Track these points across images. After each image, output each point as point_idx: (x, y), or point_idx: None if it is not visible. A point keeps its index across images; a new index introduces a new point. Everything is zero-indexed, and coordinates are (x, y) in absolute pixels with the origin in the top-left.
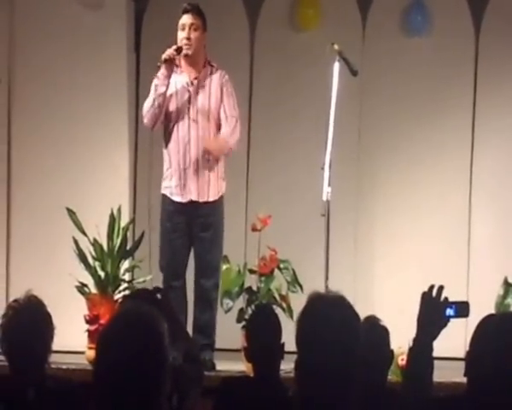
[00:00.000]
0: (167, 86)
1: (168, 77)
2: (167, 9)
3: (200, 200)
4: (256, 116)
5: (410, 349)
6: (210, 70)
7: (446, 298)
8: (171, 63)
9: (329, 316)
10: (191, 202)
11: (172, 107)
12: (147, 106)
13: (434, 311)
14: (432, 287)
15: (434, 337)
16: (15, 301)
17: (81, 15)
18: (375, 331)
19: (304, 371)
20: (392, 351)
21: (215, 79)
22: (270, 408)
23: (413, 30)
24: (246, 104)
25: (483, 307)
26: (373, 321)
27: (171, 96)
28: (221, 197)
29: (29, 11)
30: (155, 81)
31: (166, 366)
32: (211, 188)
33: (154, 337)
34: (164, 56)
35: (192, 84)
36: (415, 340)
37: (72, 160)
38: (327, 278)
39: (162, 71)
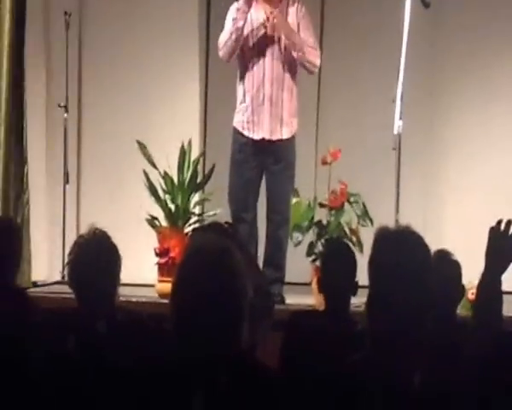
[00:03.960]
0: (245, 21)
1: (247, 12)
2: None
3: (273, 138)
4: (327, 49)
5: (479, 284)
6: (286, 4)
7: None
8: None
9: (399, 250)
10: (264, 140)
11: (249, 41)
12: (223, 39)
13: (502, 245)
14: (500, 222)
15: (502, 272)
16: (81, 236)
17: None
18: (447, 265)
19: (376, 305)
20: (463, 285)
21: (291, 14)
22: (340, 342)
23: None
24: (317, 38)
25: None
26: (445, 255)
27: (247, 30)
28: (293, 136)
29: None
30: (233, 14)
31: (245, 299)
32: (284, 126)
33: (232, 271)
34: None
35: (268, 20)
36: (483, 274)
37: (142, 93)
38: (397, 212)
39: (241, 5)
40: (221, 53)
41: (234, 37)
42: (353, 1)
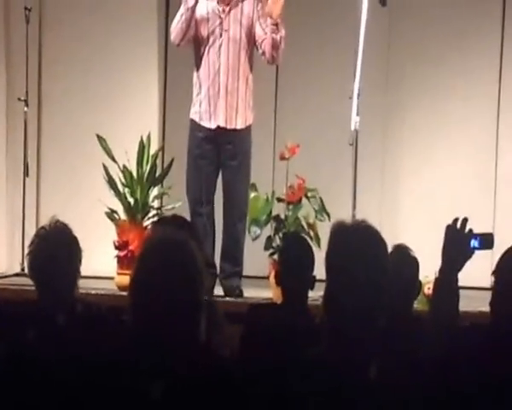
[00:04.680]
0: (196, 2)
1: None
2: None
3: (228, 126)
4: (285, 46)
5: (436, 280)
6: None
7: (471, 230)
8: None
9: (355, 244)
10: (219, 128)
11: (203, 31)
12: (175, 21)
13: (459, 243)
14: (456, 219)
15: (459, 269)
16: (42, 227)
17: None
18: (405, 261)
19: (331, 300)
20: (420, 282)
21: (247, 6)
22: (297, 335)
23: None
24: None
25: (510, 237)
26: (403, 251)
27: (202, 19)
28: (249, 127)
29: None
30: None
31: (203, 291)
32: (239, 116)
33: (189, 263)
34: None
35: (223, 11)
36: (440, 271)
37: (101, 87)
38: (354, 207)
39: None
40: (172, 36)
41: (184, 18)
42: None
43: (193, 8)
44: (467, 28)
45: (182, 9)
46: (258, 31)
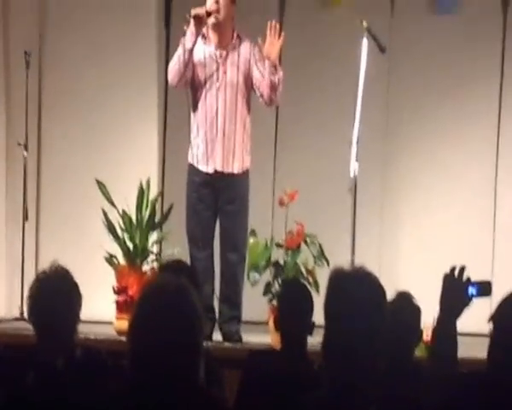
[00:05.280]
0: (193, 44)
1: (196, 35)
2: None
3: (225, 170)
4: (284, 91)
5: (434, 328)
6: (239, 42)
7: (469, 278)
8: (199, 22)
9: (354, 290)
10: (216, 172)
11: (201, 75)
12: (172, 63)
13: (456, 291)
14: (454, 268)
15: (457, 317)
16: (43, 272)
17: None
18: (408, 309)
19: (330, 346)
20: (421, 330)
21: (244, 50)
22: (296, 381)
23: (441, 7)
24: None
25: (508, 284)
26: (406, 298)
27: (199, 64)
28: (246, 171)
29: None
30: (182, 39)
31: (202, 336)
32: (236, 160)
33: (188, 309)
34: (194, 12)
35: (221, 56)
36: (438, 320)
37: (101, 132)
38: (353, 253)
39: (190, 27)
40: (169, 77)
41: (181, 59)
42: (311, 43)
43: (191, 50)
44: (465, 74)
45: (179, 50)
46: (256, 74)
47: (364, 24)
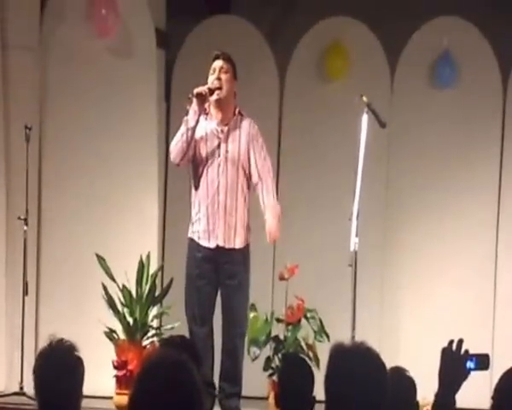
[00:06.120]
0: (196, 122)
1: (198, 114)
2: (197, 59)
3: (227, 246)
4: (284, 165)
5: (434, 403)
6: (240, 119)
7: (467, 351)
8: (202, 100)
9: (354, 366)
10: (217, 248)
11: (202, 151)
12: (175, 141)
13: (455, 365)
14: (451, 342)
15: (456, 391)
16: (49, 344)
17: (112, 64)
18: (402, 383)
19: None
20: (417, 402)
21: (244, 129)
22: None
23: (441, 82)
24: (274, 153)
25: (509, 358)
26: (400, 372)
27: (201, 139)
28: (247, 246)
29: (61, 58)
30: (185, 118)
31: None
32: (237, 235)
33: (188, 384)
34: (196, 91)
35: (222, 132)
36: (437, 394)
37: (101, 206)
38: (353, 328)
39: (193, 106)
40: (172, 155)
41: (184, 137)
42: (310, 112)
43: (194, 129)
44: (465, 147)
45: (182, 129)
46: (254, 172)
47: (364, 99)
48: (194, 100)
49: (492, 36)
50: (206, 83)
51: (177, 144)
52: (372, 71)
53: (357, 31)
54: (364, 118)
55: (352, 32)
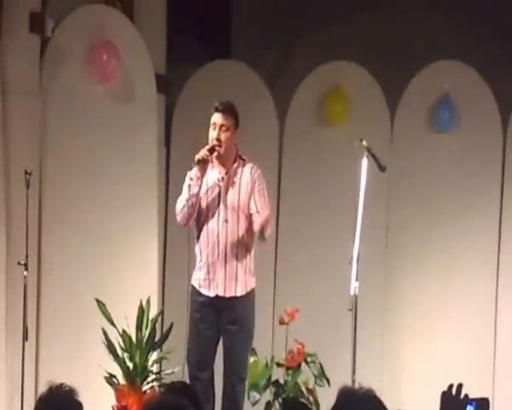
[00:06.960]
0: (200, 186)
1: (201, 178)
2: (197, 104)
3: (227, 295)
4: (284, 208)
5: None
6: (241, 164)
7: (466, 395)
8: (204, 164)
9: None
10: (217, 297)
11: (203, 202)
12: (180, 205)
13: (455, 409)
14: (451, 385)
15: None
16: (49, 389)
17: (113, 109)
18: None
19: None
20: None
21: (245, 174)
22: None
23: (441, 126)
24: (274, 195)
25: (509, 402)
26: None
27: (202, 190)
28: (250, 291)
29: (61, 103)
30: (188, 181)
31: None
32: (238, 283)
33: None
34: (197, 157)
35: (223, 179)
36: None
37: (101, 251)
38: (354, 373)
39: (195, 172)
40: (178, 218)
41: (190, 203)
42: (310, 162)
43: (198, 194)
44: (465, 190)
45: (186, 194)
46: (253, 208)
47: (364, 143)
48: (197, 166)
49: (492, 79)
50: (206, 132)
51: (182, 209)
52: (372, 115)
53: (357, 75)
54: (364, 162)
55: (352, 77)
